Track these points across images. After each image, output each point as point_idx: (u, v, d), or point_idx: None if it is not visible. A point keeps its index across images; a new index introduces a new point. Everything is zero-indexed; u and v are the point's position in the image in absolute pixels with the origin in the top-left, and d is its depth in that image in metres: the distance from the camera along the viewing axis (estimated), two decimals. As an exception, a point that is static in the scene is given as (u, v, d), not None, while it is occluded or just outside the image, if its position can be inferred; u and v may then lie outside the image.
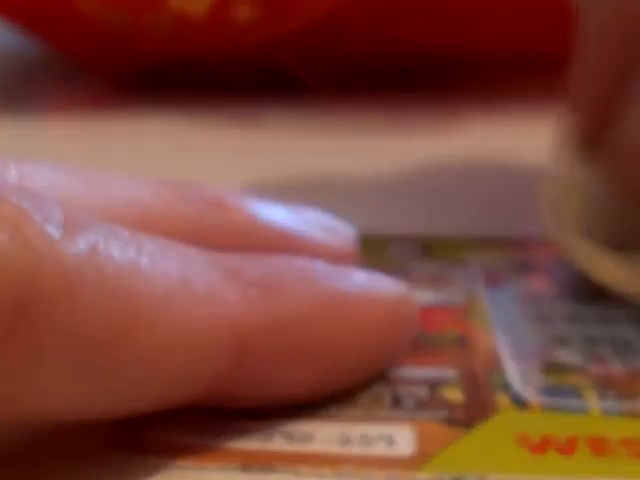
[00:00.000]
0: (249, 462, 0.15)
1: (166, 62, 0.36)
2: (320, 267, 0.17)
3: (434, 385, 0.17)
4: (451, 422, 0.16)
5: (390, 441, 0.16)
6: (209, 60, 0.35)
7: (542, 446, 0.16)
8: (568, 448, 0.15)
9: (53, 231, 0.14)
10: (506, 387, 0.17)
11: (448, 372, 0.18)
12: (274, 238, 0.19)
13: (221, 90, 0.35)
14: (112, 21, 0.33)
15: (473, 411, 0.17)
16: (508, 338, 0.19)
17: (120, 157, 0.29)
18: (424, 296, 0.21)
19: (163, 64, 0.36)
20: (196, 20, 0.33)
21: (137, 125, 0.34)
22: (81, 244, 0.14)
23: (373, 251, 0.23)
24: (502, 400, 0.17)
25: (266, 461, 0.15)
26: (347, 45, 0.35)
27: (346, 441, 0.16)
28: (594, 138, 0.22)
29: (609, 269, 0.21)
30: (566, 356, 0.18)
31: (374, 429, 0.16)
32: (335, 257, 0.19)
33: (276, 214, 0.20)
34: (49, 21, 0.35)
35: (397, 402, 0.17)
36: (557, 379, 0.18)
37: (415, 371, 0.18)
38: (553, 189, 0.22)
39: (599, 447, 0.15)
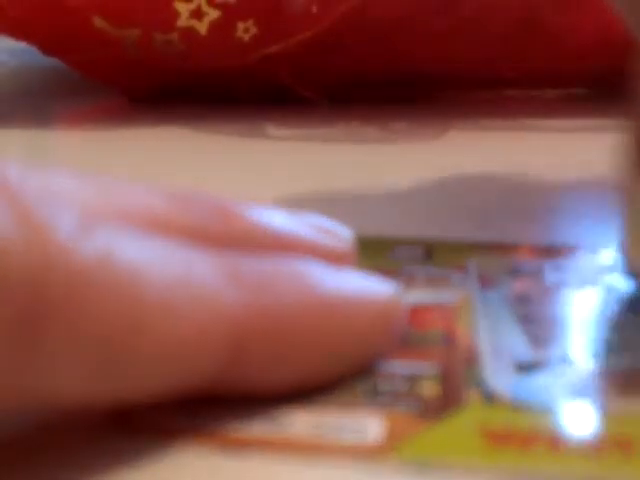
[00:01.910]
0: (227, 445, 0.16)
1: (174, 77, 0.37)
2: (316, 268, 0.18)
3: (413, 380, 0.18)
4: (423, 415, 0.17)
5: (362, 431, 0.17)
6: (213, 75, 0.37)
7: (504, 439, 0.16)
8: (528, 443, 0.16)
9: (66, 233, 0.15)
10: (480, 383, 0.18)
11: (428, 368, 0.19)
12: (273, 241, 0.20)
13: (225, 104, 0.37)
14: (124, 39, 0.35)
15: (445, 405, 0.17)
16: (491, 337, 0.20)
17: (129, 167, 0.30)
18: (419, 297, 0.22)
19: (171, 79, 0.37)
20: (201, 38, 0.35)
21: (146, 137, 0.35)
22: (92, 246, 0.15)
23: (377, 253, 0.24)
24: (474, 395, 0.18)
25: (243, 445, 0.16)
26: (341, 61, 0.37)
27: (320, 430, 0.17)
28: None
29: None
30: (543, 356, 0.19)
31: (348, 420, 0.17)
32: (332, 258, 0.20)
33: (276, 220, 0.21)
34: (66, 39, 0.36)
35: (374, 395, 0.18)
36: (531, 378, 0.18)
37: (397, 366, 0.19)
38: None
39: (556, 443, 0.16)
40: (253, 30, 0.34)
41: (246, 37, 0.34)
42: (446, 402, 0.18)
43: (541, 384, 0.18)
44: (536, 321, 0.21)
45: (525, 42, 0.35)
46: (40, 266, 0.14)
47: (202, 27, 0.34)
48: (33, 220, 0.14)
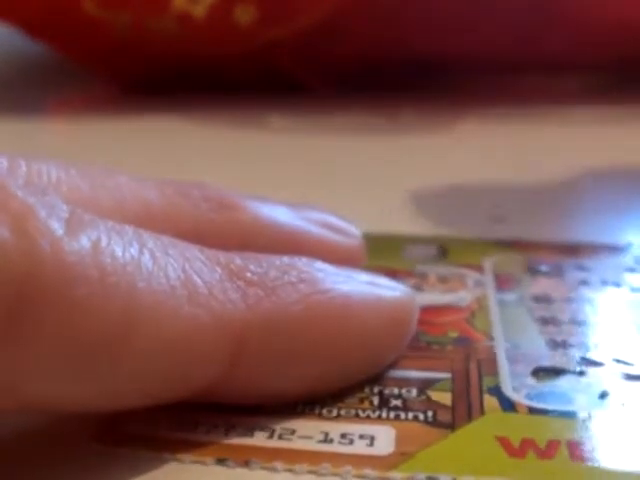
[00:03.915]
0: (225, 456, 0.15)
1: (168, 63, 0.36)
2: (321, 268, 0.17)
3: (424, 387, 0.17)
4: (435, 423, 0.16)
5: (370, 440, 0.16)
6: (211, 62, 0.36)
7: (521, 449, 0.15)
8: (547, 452, 0.15)
9: (56, 227, 0.14)
10: (496, 390, 0.17)
11: (441, 374, 0.18)
12: (277, 237, 0.19)
13: (223, 91, 0.36)
14: (116, 23, 0.34)
15: (459, 413, 0.16)
16: (509, 341, 0.19)
17: (122, 158, 0.29)
18: (432, 298, 0.21)
19: (165, 65, 0.36)
20: (198, 22, 0.33)
21: (139, 126, 0.34)
22: (83, 241, 0.14)
23: (388, 252, 0.23)
24: (490, 403, 0.17)
25: (243, 456, 0.15)
26: (346, 46, 0.35)
27: (326, 439, 0.16)
28: None
29: None
30: (563, 360, 0.18)
31: (356, 428, 0.16)
32: (340, 257, 0.19)
33: (279, 213, 0.20)
34: (53, 23, 0.35)
35: (384, 402, 0.17)
36: (550, 383, 0.17)
37: (408, 372, 0.18)
38: None
39: (578, 451, 0.15)
40: (253, 13, 0.33)
41: (246, 21, 0.33)
42: (460, 410, 0.17)
43: (561, 390, 0.17)
44: (555, 323, 0.20)
45: (542, 24, 0.34)
46: (29, 261, 0.13)
47: (199, 11, 0.33)
48: (25, 213, 0.14)
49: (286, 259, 0.17)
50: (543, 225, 0.22)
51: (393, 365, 0.18)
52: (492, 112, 0.34)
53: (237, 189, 0.19)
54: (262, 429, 0.16)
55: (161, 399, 0.15)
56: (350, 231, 0.20)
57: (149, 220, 0.17)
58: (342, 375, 0.17)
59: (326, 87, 0.36)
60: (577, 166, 0.27)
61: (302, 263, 0.17)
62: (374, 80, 0.36)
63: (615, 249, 0.24)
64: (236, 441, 0.16)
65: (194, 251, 0.16)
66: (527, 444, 0.15)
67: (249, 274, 0.16)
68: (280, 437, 0.16)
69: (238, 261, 0.16)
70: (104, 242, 0.14)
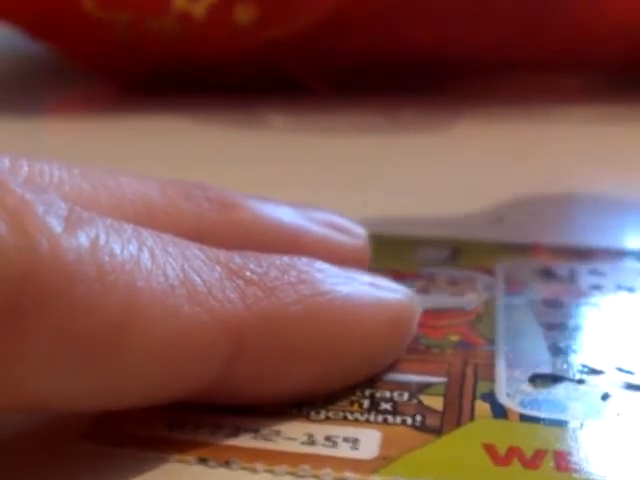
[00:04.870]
0: (208, 456, 0.15)
1: (169, 63, 0.36)
2: (322, 268, 0.17)
3: (417, 391, 0.17)
4: (422, 428, 0.16)
5: (354, 443, 0.16)
6: (211, 61, 0.35)
7: (507, 457, 0.15)
8: (533, 461, 0.15)
9: (54, 224, 0.14)
10: (489, 396, 0.17)
11: (437, 378, 0.18)
12: (279, 237, 0.19)
13: (223, 91, 0.36)
14: (116, 23, 0.34)
15: (448, 418, 0.16)
16: (510, 346, 0.19)
17: (122, 158, 0.29)
18: (437, 300, 0.21)
19: (166, 65, 0.36)
20: (198, 21, 0.33)
21: (139, 126, 0.34)
22: (82, 238, 0.14)
23: (400, 253, 0.23)
24: (481, 408, 0.16)
25: (225, 456, 0.15)
26: (347, 46, 0.35)
27: (310, 441, 0.16)
28: None
29: None
30: (563, 367, 0.18)
31: (341, 430, 0.16)
32: (344, 256, 0.19)
33: (282, 213, 0.19)
34: (53, 23, 0.35)
35: (374, 406, 0.17)
36: (546, 390, 0.17)
37: (403, 375, 0.18)
38: None
39: (565, 462, 0.15)
40: (253, 13, 0.33)
41: (246, 21, 0.33)
42: (450, 416, 0.16)
43: (556, 398, 0.17)
44: (561, 328, 0.19)
45: (542, 23, 0.33)
46: (27, 258, 0.13)
47: (199, 11, 0.33)
48: (23, 209, 0.14)
49: (286, 259, 0.17)
50: (545, 226, 0.22)
51: (390, 368, 0.18)
52: (492, 112, 0.33)
53: (237, 189, 0.19)
54: (247, 430, 0.16)
55: (158, 399, 0.15)
56: (355, 231, 0.20)
57: (150, 220, 0.17)
58: (339, 376, 0.17)
59: (326, 87, 0.35)
60: (577, 166, 0.26)
61: (302, 263, 0.17)
62: (374, 80, 0.35)
63: (629, 254, 0.23)
64: (220, 441, 0.16)
65: (194, 249, 0.16)
66: (513, 452, 0.15)
67: (249, 273, 0.16)
68: (264, 438, 0.16)
69: (238, 260, 0.16)
70: (103, 240, 0.14)
